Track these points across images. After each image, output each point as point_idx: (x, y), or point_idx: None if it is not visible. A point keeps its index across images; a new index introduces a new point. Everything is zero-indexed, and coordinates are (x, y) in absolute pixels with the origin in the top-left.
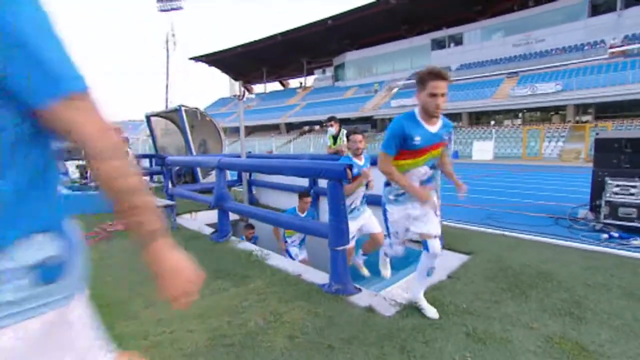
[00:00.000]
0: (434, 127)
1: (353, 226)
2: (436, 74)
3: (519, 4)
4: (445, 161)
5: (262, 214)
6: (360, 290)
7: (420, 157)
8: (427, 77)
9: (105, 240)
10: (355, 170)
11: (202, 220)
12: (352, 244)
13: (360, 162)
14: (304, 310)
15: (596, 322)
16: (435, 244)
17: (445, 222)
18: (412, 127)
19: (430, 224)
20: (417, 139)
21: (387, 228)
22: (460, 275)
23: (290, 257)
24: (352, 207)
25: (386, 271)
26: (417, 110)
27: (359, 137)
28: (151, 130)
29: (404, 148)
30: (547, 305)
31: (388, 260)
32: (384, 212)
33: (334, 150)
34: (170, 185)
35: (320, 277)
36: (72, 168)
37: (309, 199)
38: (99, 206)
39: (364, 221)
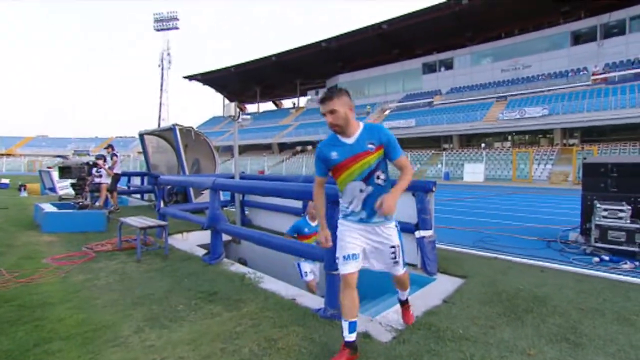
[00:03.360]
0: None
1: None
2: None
3: (507, 31)
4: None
5: (256, 236)
6: None
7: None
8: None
9: (93, 260)
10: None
11: (193, 241)
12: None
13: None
14: (299, 336)
15: (592, 348)
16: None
17: (438, 245)
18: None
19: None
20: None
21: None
22: (456, 300)
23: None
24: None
25: None
26: None
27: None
28: (144, 149)
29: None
30: (543, 331)
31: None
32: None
33: None
34: (162, 204)
35: (314, 301)
36: (62, 184)
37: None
38: (86, 225)
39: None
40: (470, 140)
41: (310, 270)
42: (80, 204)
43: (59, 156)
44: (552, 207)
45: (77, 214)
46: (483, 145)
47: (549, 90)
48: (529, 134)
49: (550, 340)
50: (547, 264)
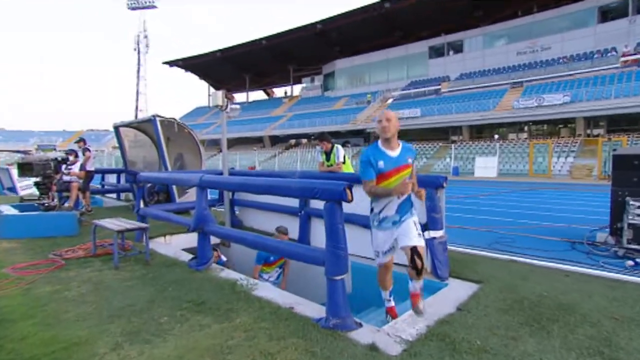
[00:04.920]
0: (394, 152)
1: (380, 238)
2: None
3: (524, 9)
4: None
5: (250, 238)
6: (361, 325)
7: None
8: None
9: (63, 269)
10: (381, 165)
11: (178, 245)
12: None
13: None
14: (299, 349)
15: None
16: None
17: (450, 247)
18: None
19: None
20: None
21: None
22: (471, 307)
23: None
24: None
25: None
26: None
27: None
28: (120, 143)
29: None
30: (573, 343)
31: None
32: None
33: (327, 169)
34: (141, 204)
35: (315, 310)
36: (23, 183)
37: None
38: (54, 229)
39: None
40: (481, 132)
41: (393, 243)
42: (46, 205)
43: (18, 151)
44: (575, 204)
45: (43, 217)
46: (496, 136)
47: (571, 74)
48: (547, 124)
49: (581, 353)
50: (572, 268)
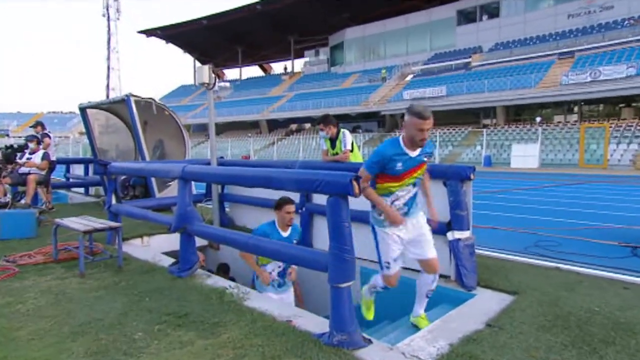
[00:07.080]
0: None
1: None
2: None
3: None
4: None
5: (242, 239)
6: (370, 341)
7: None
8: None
9: (16, 277)
10: (399, 167)
11: (157, 248)
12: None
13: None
14: None
15: None
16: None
17: (479, 250)
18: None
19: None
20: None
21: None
22: (504, 323)
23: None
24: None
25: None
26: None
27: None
28: (88, 127)
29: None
30: None
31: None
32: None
33: (332, 158)
34: (113, 200)
35: (316, 324)
36: None
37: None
38: (7, 230)
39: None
40: (520, 114)
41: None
42: None
43: None
44: (639, 201)
45: None
46: (538, 119)
47: (638, 41)
48: (604, 103)
49: None
50: (633, 279)
